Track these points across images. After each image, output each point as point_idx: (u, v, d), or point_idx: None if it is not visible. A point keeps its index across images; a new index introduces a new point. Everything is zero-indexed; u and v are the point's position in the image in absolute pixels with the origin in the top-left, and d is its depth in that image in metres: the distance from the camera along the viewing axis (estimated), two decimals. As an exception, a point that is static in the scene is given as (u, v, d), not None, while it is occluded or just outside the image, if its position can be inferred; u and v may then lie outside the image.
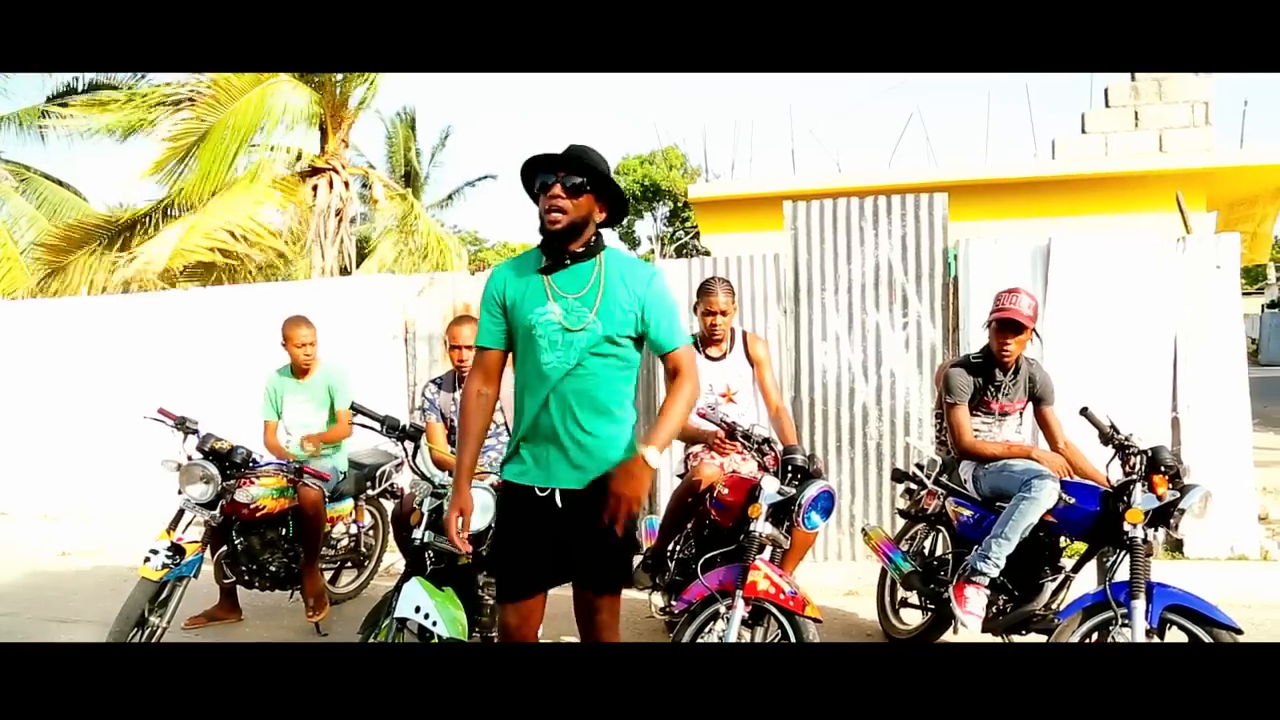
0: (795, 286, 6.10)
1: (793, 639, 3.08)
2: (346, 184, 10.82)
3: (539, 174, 2.49)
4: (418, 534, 3.15)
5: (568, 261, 2.51)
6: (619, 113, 69.27)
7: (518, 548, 2.61)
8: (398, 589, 3.09)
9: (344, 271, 11.03)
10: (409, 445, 3.28)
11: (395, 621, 3.01)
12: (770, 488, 3.26)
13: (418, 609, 2.99)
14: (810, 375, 6.07)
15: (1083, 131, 9.98)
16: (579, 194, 2.46)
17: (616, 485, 2.39)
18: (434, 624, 2.97)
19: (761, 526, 3.24)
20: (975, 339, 5.88)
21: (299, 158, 11.12)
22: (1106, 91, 10.02)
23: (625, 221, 33.90)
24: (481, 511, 3.15)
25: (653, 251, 28.07)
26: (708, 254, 11.25)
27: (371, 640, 3.09)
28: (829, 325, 6.05)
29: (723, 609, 3.18)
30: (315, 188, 10.65)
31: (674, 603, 3.48)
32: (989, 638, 3.78)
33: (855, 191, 6.61)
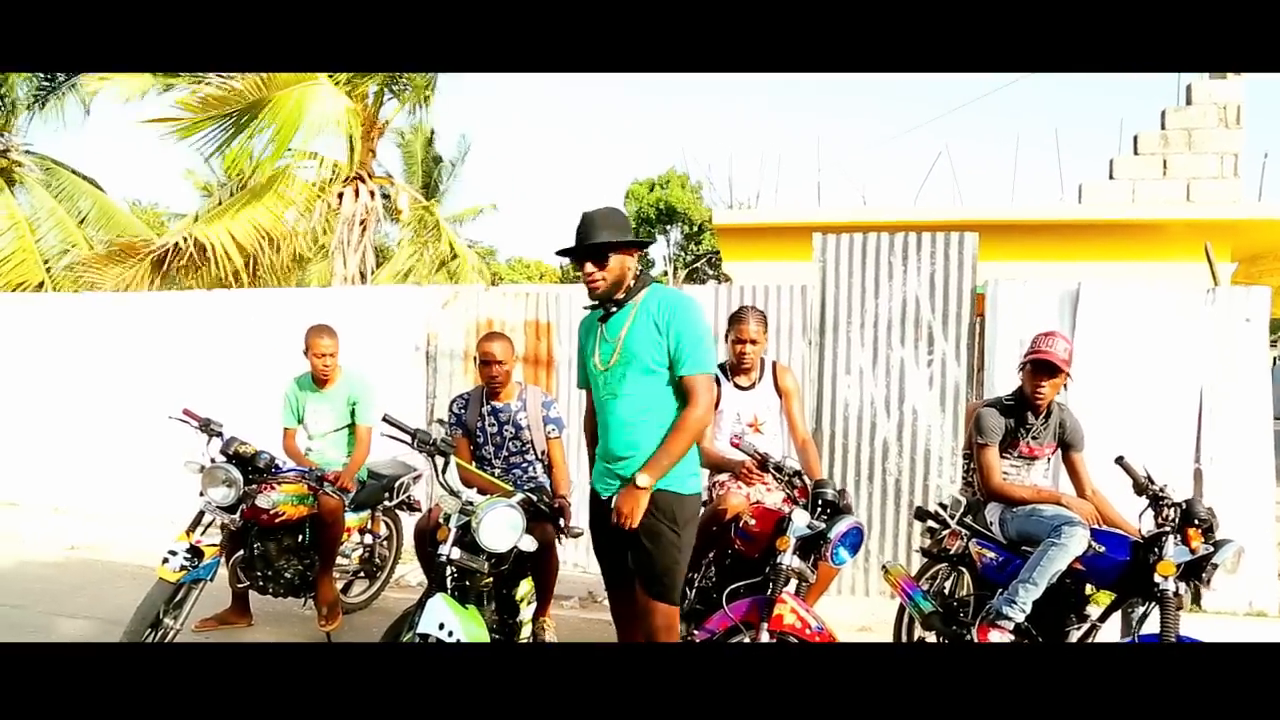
0: (821, 319, 6.11)
1: None
2: (372, 194, 10.89)
3: (565, 258, 2.99)
4: (444, 550, 3.15)
5: (614, 310, 2.98)
6: (639, 137, 69.57)
7: (599, 548, 3.13)
8: (421, 604, 3.08)
9: (363, 279, 11.09)
10: (439, 460, 3.28)
11: (418, 637, 3.00)
12: (800, 521, 3.25)
13: (441, 625, 2.98)
14: (832, 408, 6.07)
15: (1110, 178, 10.01)
16: (605, 262, 2.90)
17: (616, 502, 2.86)
18: (457, 641, 2.97)
19: (789, 559, 3.23)
20: (1000, 379, 5.88)
21: (323, 163, 11.21)
22: (1136, 139, 10.06)
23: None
24: (510, 529, 3.16)
25: (665, 274, 28.11)
26: (726, 279, 11.29)
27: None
28: (853, 359, 6.05)
29: (746, 640, 3.17)
30: (341, 195, 10.73)
31: (695, 631, 3.47)
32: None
33: (881, 226, 6.63)
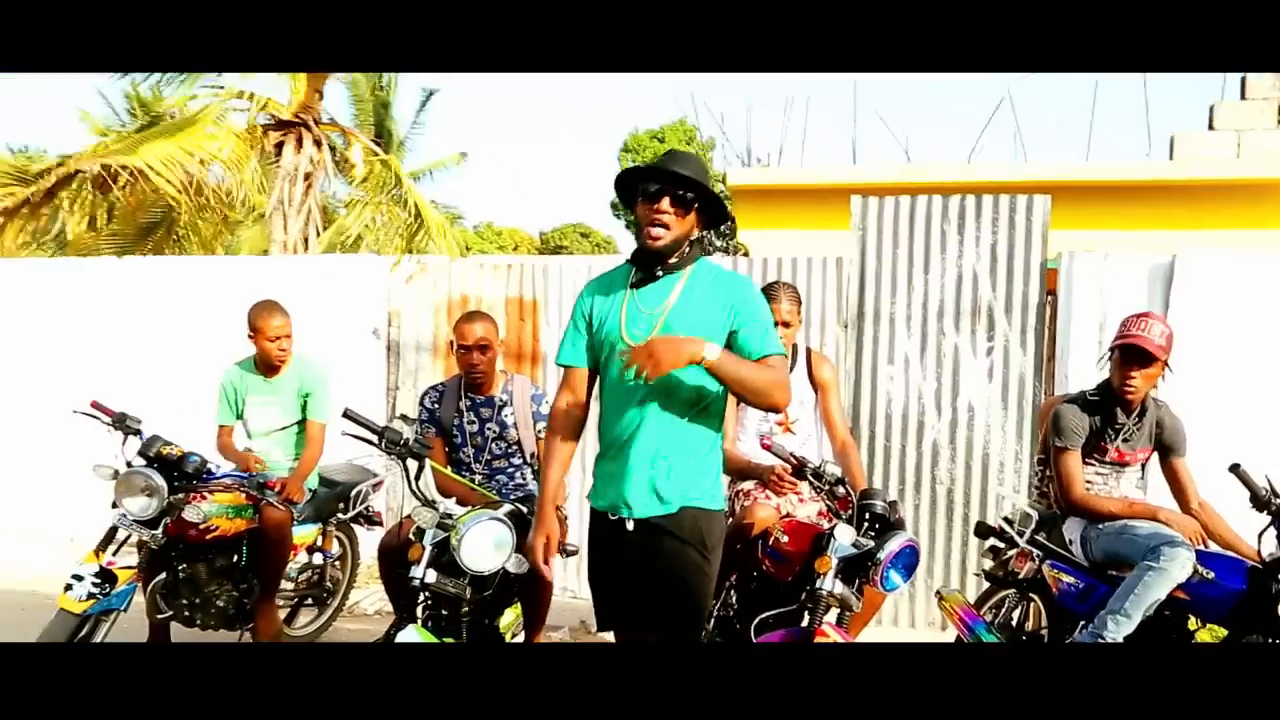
0: (860, 297, 6.08)
1: None
2: (319, 143, 10.81)
3: (645, 182, 2.77)
4: (417, 572, 3.11)
5: (658, 273, 2.80)
6: (638, 82, 69.24)
7: (601, 578, 2.96)
8: (389, 636, 3.05)
9: (306, 247, 11.02)
10: (411, 465, 3.25)
11: (385, 676, 2.97)
12: (845, 538, 3.22)
13: (414, 663, 2.95)
14: (871, 404, 6.05)
15: (1210, 128, 9.96)
16: (687, 210, 2.75)
17: (653, 339, 2.62)
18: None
19: (830, 583, 3.21)
20: (1075, 370, 5.86)
21: (259, 104, 11.08)
22: (1243, 81, 9.99)
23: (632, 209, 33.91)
24: (496, 547, 3.14)
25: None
26: (741, 251, 11.25)
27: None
28: (897, 346, 6.03)
29: (780, 682, 3.15)
30: (280, 145, 10.64)
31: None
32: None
33: (930, 188, 6.60)
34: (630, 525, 2.81)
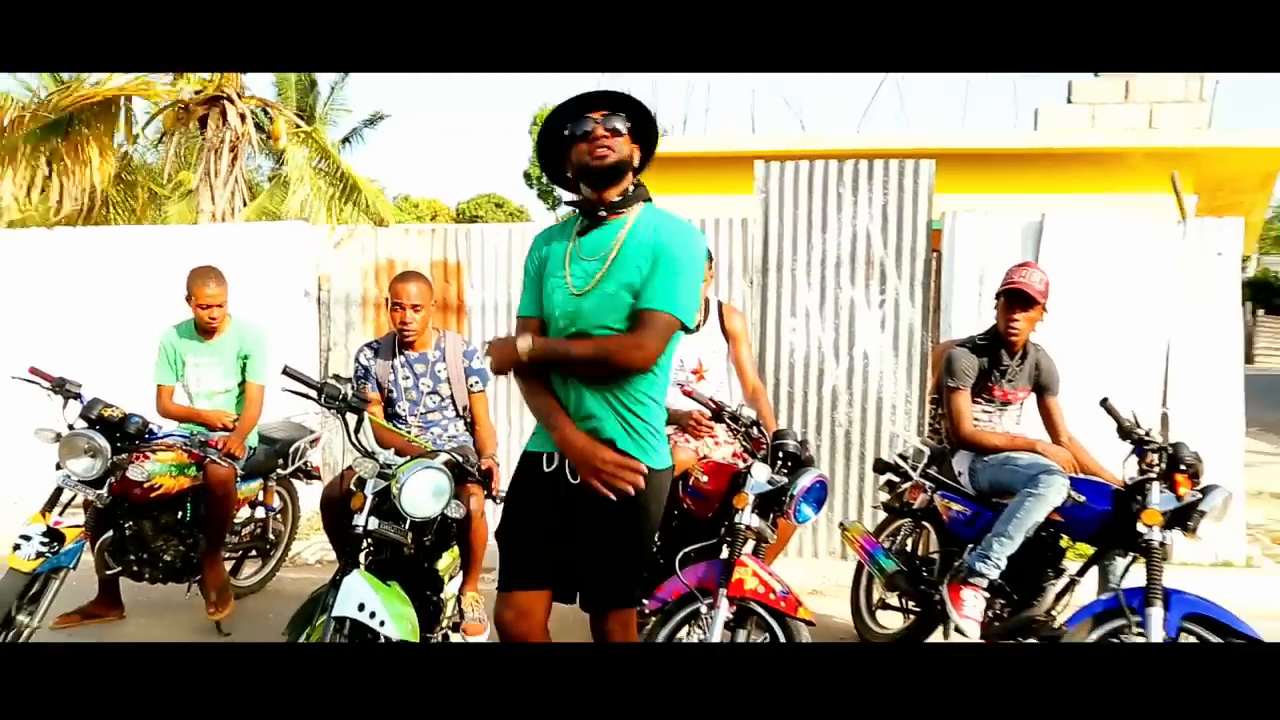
0: (764, 255, 6.12)
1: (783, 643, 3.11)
2: (243, 116, 10.40)
3: (570, 124, 2.49)
4: (360, 520, 3.06)
5: (603, 215, 2.51)
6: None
7: (520, 528, 2.61)
8: (335, 584, 2.99)
9: (234, 218, 10.63)
10: (350, 418, 3.17)
11: (333, 621, 2.91)
12: (761, 475, 3.26)
13: (361, 606, 2.90)
14: (776, 354, 6.12)
15: (1068, 101, 10.24)
16: (619, 135, 2.46)
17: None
18: (381, 624, 2.89)
19: (748, 518, 3.25)
20: (958, 319, 6.00)
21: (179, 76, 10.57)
22: (1096, 58, 10.29)
23: (544, 180, 33.60)
24: (436, 494, 3.10)
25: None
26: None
27: (303, 641, 2.99)
28: (799, 299, 6.10)
29: (703, 609, 3.18)
30: (204, 119, 10.21)
31: (644, 601, 3.47)
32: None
33: (824, 154, 6.65)
34: (569, 473, 2.53)
